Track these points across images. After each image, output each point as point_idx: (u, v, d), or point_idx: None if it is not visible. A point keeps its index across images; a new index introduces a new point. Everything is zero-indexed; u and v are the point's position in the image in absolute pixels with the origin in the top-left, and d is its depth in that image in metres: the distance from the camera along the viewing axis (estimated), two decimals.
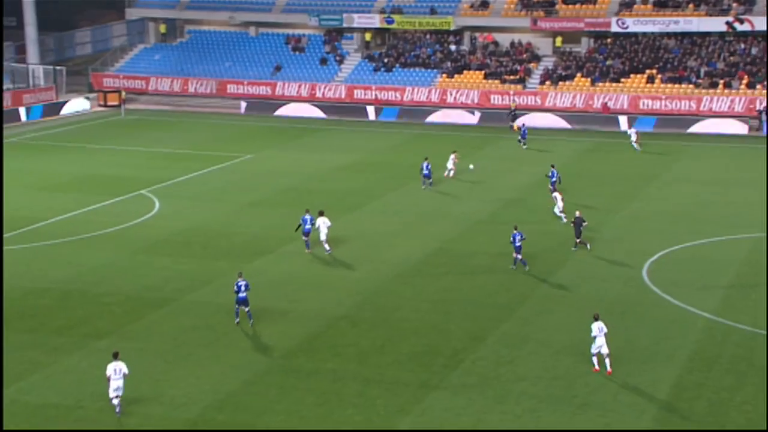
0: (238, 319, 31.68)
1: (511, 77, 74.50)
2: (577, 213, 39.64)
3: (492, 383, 27.39)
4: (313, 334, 30.87)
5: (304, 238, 39.07)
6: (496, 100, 72.77)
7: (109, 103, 77.62)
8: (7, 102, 71.97)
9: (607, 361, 27.92)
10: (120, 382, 25.57)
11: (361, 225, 43.69)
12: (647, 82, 71.50)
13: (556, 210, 43.41)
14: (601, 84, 72.09)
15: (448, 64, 76.96)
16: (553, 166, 47.55)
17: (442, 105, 73.46)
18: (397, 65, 78.32)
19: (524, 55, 76.48)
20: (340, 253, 39.21)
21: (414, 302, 33.81)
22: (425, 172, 49.42)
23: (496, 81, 74.56)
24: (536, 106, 71.70)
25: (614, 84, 71.86)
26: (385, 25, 79.49)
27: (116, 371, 25.65)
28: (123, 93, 77.85)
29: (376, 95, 75.48)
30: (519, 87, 73.49)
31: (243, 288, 31.17)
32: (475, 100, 73.27)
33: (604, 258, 38.66)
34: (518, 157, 58.83)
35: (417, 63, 78.10)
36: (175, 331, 31.16)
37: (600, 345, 27.88)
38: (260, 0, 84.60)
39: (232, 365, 28.48)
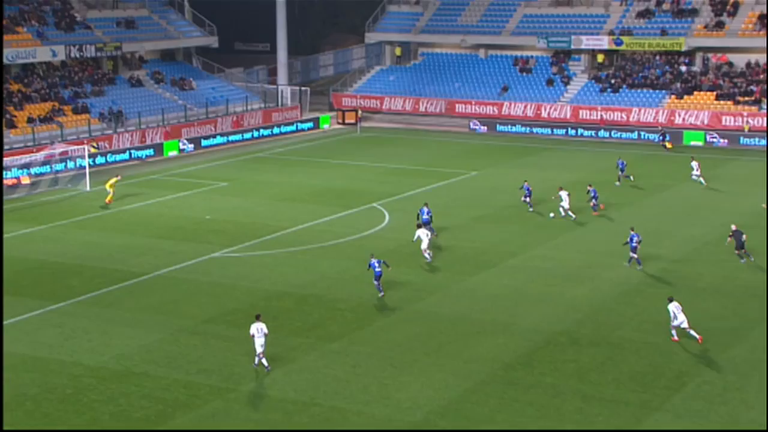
0: (382, 293, 36.08)
1: (746, 98, 72.10)
2: (733, 227, 40.21)
3: (718, 409, 26.65)
4: (532, 348, 31.06)
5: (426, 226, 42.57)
6: (727, 121, 70.73)
7: (347, 121, 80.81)
8: (258, 120, 77.45)
9: (693, 332, 30.85)
10: (263, 340, 29.13)
11: (582, 244, 43.72)
12: None
13: (564, 205, 47.40)
14: None
15: (678, 85, 75.29)
16: (590, 185, 49.77)
17: (671, 126, 71.79)
18: (624, 86, 77.38)
19: (761, 76, 73.75)
20: (557, 271, 39.36)
21: (635, 322, 33.50)
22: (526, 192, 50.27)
23: (729, 102, 72.32)
24: None
25: None
26: (614, 47, 78.92)
27: (258, 330, 29.08)
28: (359, 111, 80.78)
29: (601, 116, 75.01)
30: (754, 108, 71.01)
31: (377, 265, 35.89)
32: (705, 121, 71.38)
33: None
34: (750, 179, 57.13)
35: (645, 84, 76.84)
36: (401, 338, 32.13)
37: (681, 321, 30.95)
38: (491, 24, 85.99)
39: (455, 373, 29.09)
